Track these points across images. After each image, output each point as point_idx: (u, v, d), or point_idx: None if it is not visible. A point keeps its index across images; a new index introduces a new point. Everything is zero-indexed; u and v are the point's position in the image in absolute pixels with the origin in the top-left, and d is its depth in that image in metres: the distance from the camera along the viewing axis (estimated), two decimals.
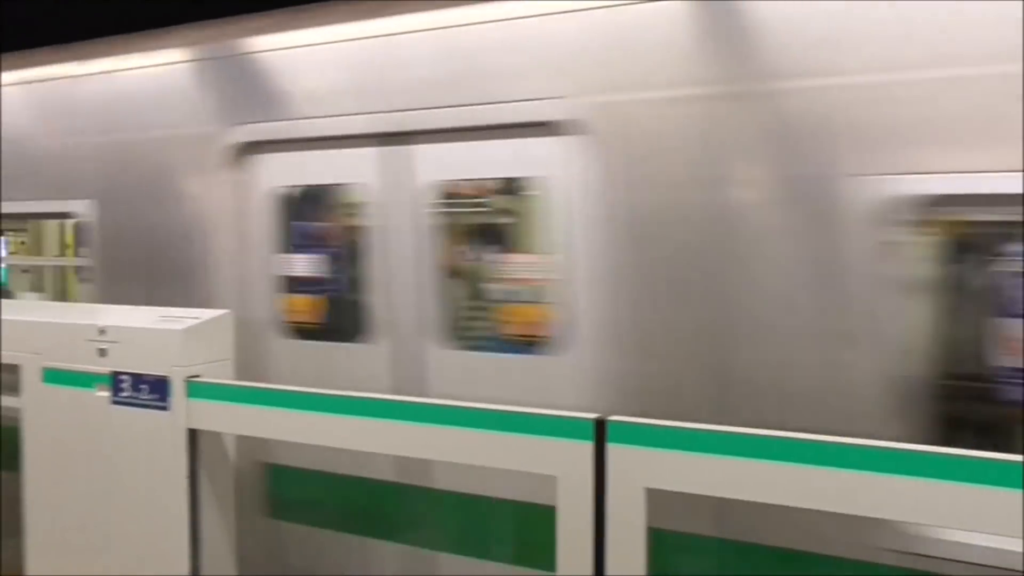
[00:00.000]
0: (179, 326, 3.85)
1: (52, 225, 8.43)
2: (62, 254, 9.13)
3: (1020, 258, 3.23)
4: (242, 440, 4.17)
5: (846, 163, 3.17)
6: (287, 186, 4.57)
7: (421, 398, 3.61)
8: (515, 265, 4.06)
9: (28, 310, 4.62)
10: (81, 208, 5.16)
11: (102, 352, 3.97)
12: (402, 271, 4.25)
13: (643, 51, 3.61)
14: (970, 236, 3.35)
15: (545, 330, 3.91)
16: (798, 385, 3.24)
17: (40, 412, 4.16)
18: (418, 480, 4.20)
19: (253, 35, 4.71)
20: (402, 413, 3.26)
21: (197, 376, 3.76)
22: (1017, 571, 2.88)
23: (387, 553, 4.29)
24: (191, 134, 4.79)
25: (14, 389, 4.35)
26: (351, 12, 4.48)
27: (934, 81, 3.05)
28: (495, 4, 4.01)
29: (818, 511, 2.52)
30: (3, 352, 4.30)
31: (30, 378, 4.20)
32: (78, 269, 6.90)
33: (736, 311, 3.37)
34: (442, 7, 4.17)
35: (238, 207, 4.66)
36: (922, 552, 3.06)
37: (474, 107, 3.98)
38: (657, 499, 2.74)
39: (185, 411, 3.73)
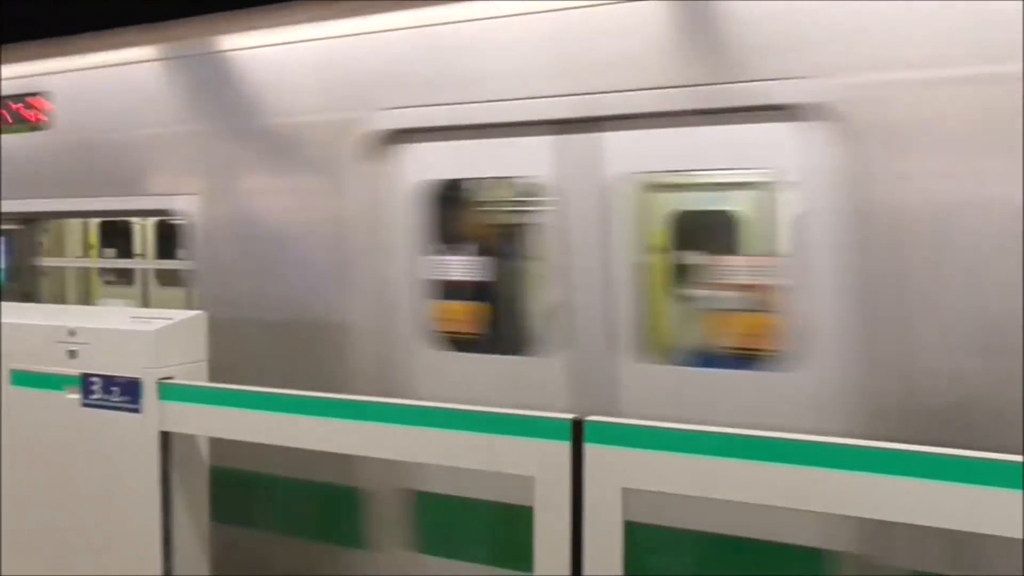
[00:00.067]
0: (151, 327, 3.80)
1: (74, 224, 8.24)
2: (85, 255, 8.92)
3: None
4: (379, 466, 3.84)
5: None
6: (440, 179, 4.11)
7: (397, 399, 3.53)
8: (733, 268, 3.71)
9: None
10: (181, 205, 4.70)
11: (72, 354, 3.91)
12: (586, 274, 3.75)
13: (908, 24, 3.10)
14: None
15: (772, 342, 3.43)
16: None
17: (8, 415, 4.09)
18: None
19: (399, 10, 4.22)
20: (379, 415, 3.24)
21: (170, 378, 3.71)
22: None
23: None
24: (323, 121, 4.31)
25: None
26: None
27: None
28: None
29: None
30: None
31: None
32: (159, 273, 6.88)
33: None
34: None
35: (378, 203, 4.16)
36: None
37: (686, 88, 3.48)
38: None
39: (157, 414, 3.68)
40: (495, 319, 4.10)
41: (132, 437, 3.73)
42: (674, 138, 3.57)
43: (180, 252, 5.09)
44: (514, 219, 4.12)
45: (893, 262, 3.11)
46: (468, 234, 4.25)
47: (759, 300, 3.51)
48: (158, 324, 3.83)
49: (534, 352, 3.90)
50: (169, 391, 3.68)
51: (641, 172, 3.69)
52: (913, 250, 3.08)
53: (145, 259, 8.85)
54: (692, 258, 3.86)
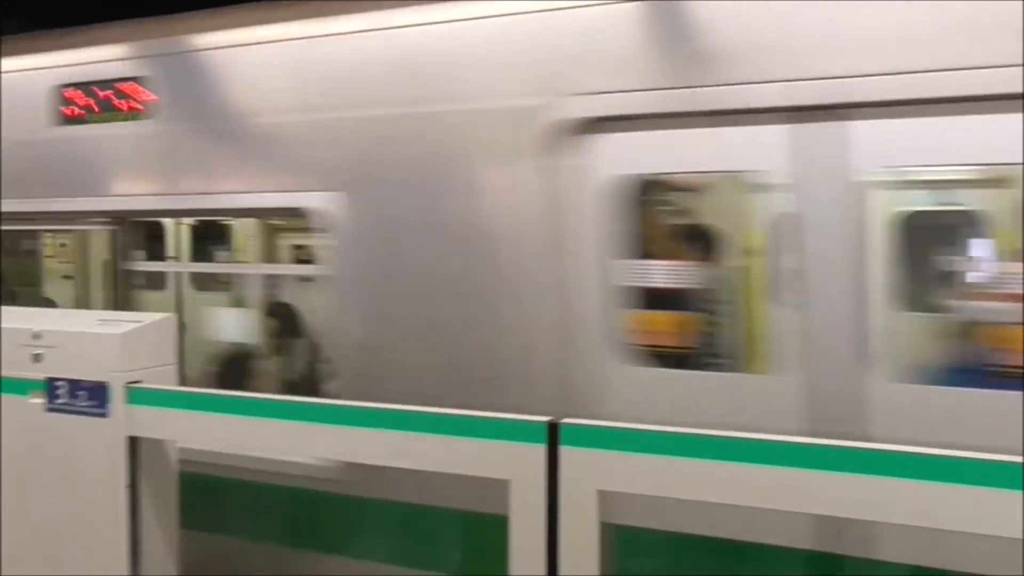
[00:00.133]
0: (118, 330, 3.73)
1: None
2: (111, 258, 8.57)
3: None
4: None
5: None
6: (641, 173, 3.68)
7: (372, 403, 3.50)
8: (1007, 275, 3.31)
9: None
10: (316, 203, 4.28)
11: (36, 357, 3.83)
12: (828, 281, 3.31)
13: None
14: None
15: None
16: None
17: None
18: (851, 550, 3.27)
19: None
20: (351, 418, 3.21)
21: (138, 382, 3.65)
22: None
23: None
24: (500, 107, 3.84)
25: None
26: None
27: None
28: None
29: None
30: None
31: None
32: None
33: None
34: None
35: (564, 200, 3.72)
36: None
37: (963, 72, 3.06)
38: None
39: (125, 418, 3.62)
40: (709, 331, 3.74)
41: (99, 442, 3.66)
42: (930, 129, 3.19)
43: (220, 253, 5.06)
44: (732, 217, 3.75)
45: None
46: (674, 235, 3.88)
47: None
48: (126, 327, 3.76)
49: (760, 369, 3.51)
50: (137, 395, 3.61)
51: (891, 166, 3.30)
52: None
53: (242, 262, 8.28)
54: (941, 264, 3.51)
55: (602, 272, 3.69)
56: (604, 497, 2.69)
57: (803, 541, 3.36)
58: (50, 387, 3.79)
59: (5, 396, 3.89)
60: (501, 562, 2.81)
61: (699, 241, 3.80)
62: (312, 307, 7.08)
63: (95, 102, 4.93)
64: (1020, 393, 3.00)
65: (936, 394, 3.17)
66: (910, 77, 3.15)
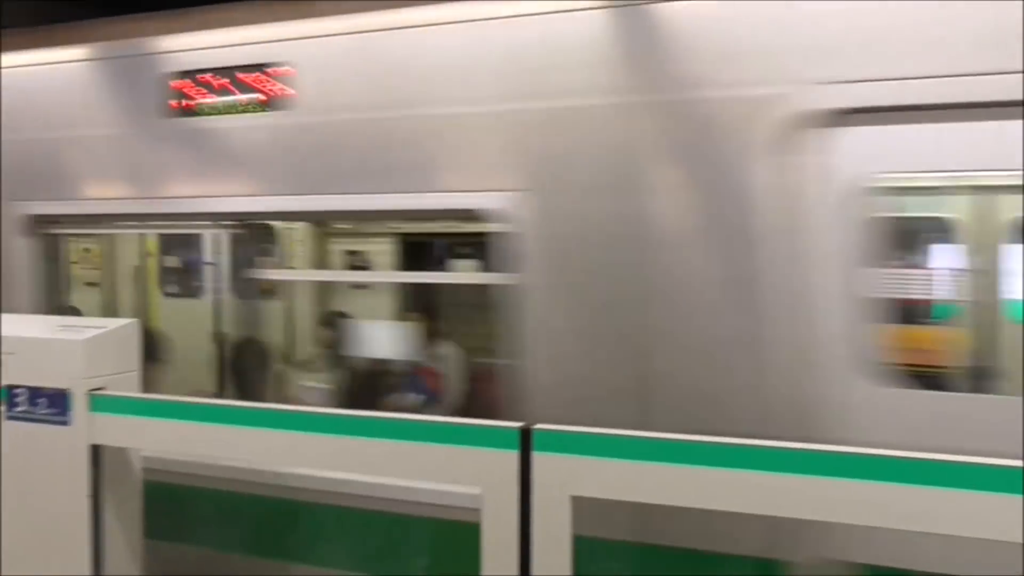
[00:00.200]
0: (80, 336, 3.65)
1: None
2: (142, 264, 7.92)
3: None
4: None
5: None
6: (899, 172, 3.29)
7: (336, 410, 3.47)
8: None
9: None
10: (496, 203, 3.85)
11: None
12: None
13: None
14: None
15: None
16: None
17: None
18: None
19: None
20: (320, 425, 3.16)
21: (101, 389, 3.57)
22: None
23: None
24: (724, 97, 3.42)
25: None
26: None
27: None
28: None
29: None
30: None
31: None
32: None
33: None
34: None
35: (802, 201, 3.32)
36: None
37: None
38: None
39: (87, 426, 3.54)
40: (977, 347, 3.37)
41: (60, 451, 3.57)
42: None
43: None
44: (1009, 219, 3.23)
45: None
46: (939, 240, 3.49)
47: None
48: (88, 333, 3.68)
49: None
50: (100, 402, 3.54)
51: None
52: None
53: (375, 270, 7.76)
54: None
55: (847, 282, 3.29)
56: (578, 503, 2.68)
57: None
58: (9, 395, 3.70)
59: None
60: None
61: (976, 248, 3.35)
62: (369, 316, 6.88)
63: (215, 91, 4.47)
64: None
65: None
66: None
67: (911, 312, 3.40)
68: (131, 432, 3.54)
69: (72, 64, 4.87)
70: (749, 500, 2.46)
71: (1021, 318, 3.70)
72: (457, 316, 6.43)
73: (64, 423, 3.57)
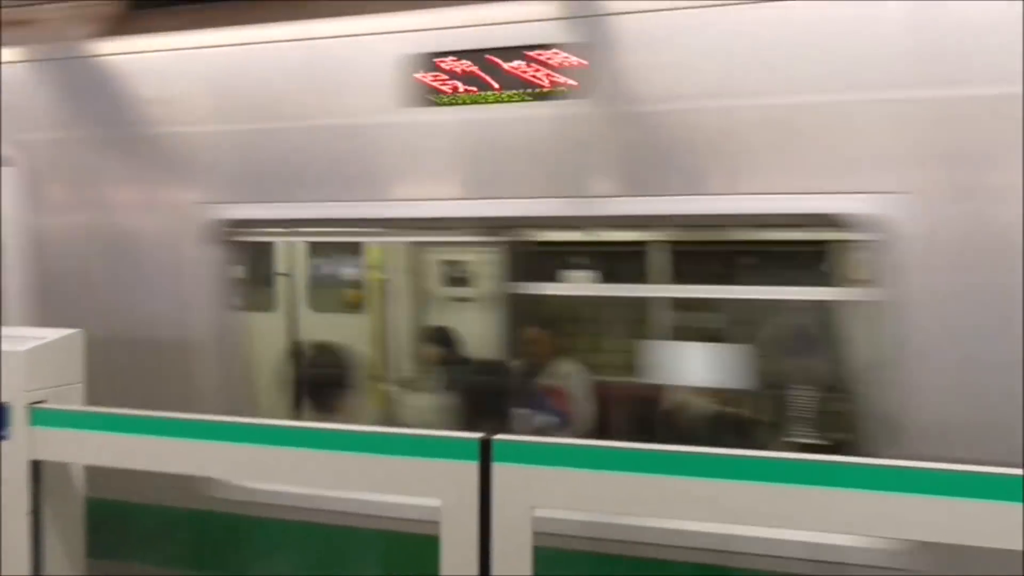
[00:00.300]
0: (21, 347, 3.52)
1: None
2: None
3: None
4: None
5: None
6: None
7: (288, 421, 3.38)
8: None
9: None
10: (866, 207, 3.36)
11: None
12: None
13: None
14: None
15: None
16: None
17: None
18: None
19: None
20: (271, 438, 3.08)
21: (42, 402, 3.45)
22: None
23: None
24: None
25: None
26: None
27: None
28: None
29: None
30: None
31: None
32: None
33: None
34: None
35: None
36: None
37: None
38: None
39: (27, 441, 3.41)
40: None
41: None
42: None
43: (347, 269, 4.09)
44: None
45: None
46: None
47: None
48: (29, 344, 3.56)
49: None
50: (41, 416, 3.41)
51: None
52: None
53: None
54: None
55: None
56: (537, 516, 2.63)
57: None
58: None
59: None
60: None
61: None
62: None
63: (493, 77, 3.87)
64: None
65: None
66: None
67: None
68: (73, 446, 3.41)
69: (291, 44, 4.26)
70: (721, 510, 2.44)
71: None
72: (577, 332, 6.03)
73: (2, 438, 3.44)
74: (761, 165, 3.52)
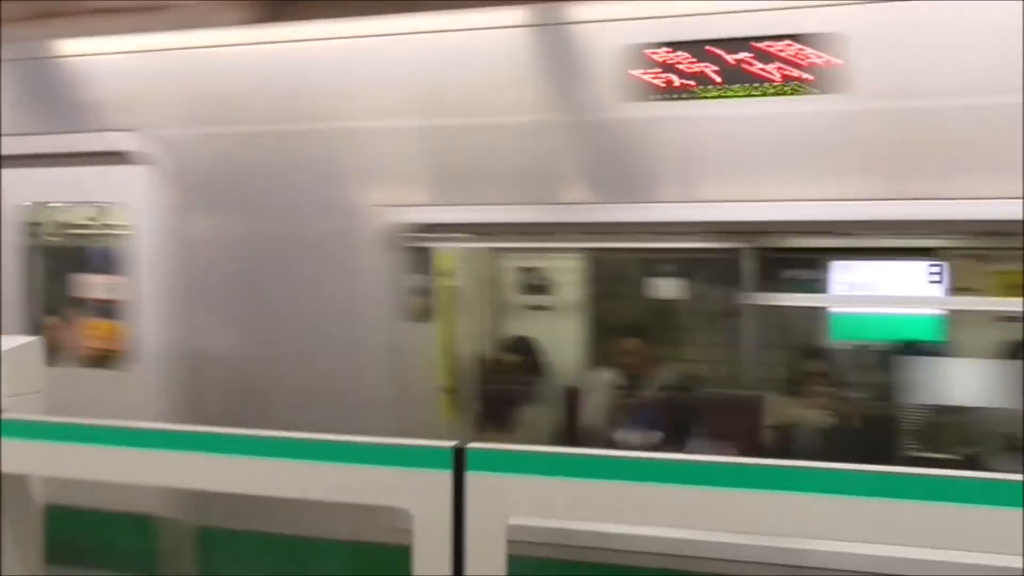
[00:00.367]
0: None
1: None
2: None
3: None
4: None
5: None
6: None
7: (255, 429, 3.32)
8: None
9: None
10: None
11: None
12: None
13: None
14: None
15: None
16: None
17: None
18: None
19: None
20: (235, 446, 3.03)
21: None
22: None
23: None
24: None
25: None
26: None
27: None
28: None
29: None
30: None
31: None
32: None
33: None
34: None
35: None
36: None
37: None
38: None
39: None
40: None
41: None
42: None
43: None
44: None
45: None
46: None
47: None
48: None
49: None
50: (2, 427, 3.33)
51: None
52: None
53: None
54: None
55: None
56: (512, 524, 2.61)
57: None
58: None
59: None
60: None
61: None
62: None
63: (721, 70, 3.64)
64: None
65: None
66: None
67: None
68: (34, 457, 3.32)
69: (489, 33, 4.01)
70: (697, 517, 2.43)
71: None
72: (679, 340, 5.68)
73: None
74: None
